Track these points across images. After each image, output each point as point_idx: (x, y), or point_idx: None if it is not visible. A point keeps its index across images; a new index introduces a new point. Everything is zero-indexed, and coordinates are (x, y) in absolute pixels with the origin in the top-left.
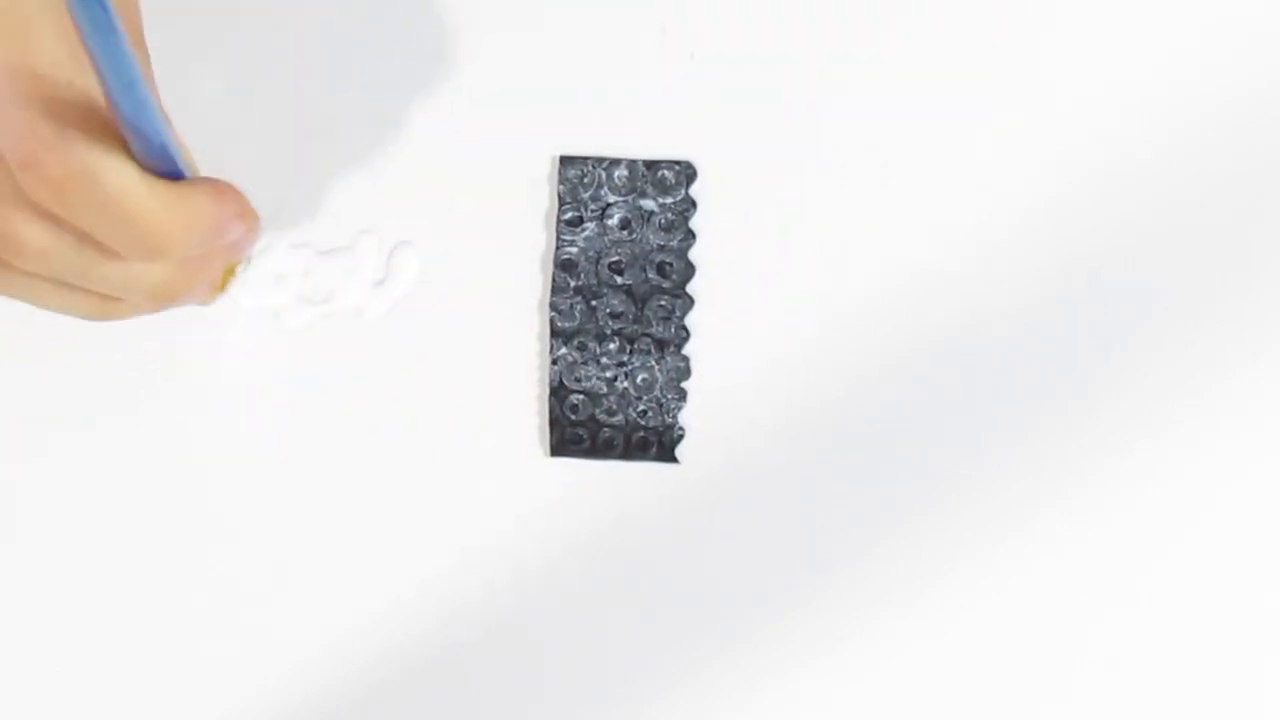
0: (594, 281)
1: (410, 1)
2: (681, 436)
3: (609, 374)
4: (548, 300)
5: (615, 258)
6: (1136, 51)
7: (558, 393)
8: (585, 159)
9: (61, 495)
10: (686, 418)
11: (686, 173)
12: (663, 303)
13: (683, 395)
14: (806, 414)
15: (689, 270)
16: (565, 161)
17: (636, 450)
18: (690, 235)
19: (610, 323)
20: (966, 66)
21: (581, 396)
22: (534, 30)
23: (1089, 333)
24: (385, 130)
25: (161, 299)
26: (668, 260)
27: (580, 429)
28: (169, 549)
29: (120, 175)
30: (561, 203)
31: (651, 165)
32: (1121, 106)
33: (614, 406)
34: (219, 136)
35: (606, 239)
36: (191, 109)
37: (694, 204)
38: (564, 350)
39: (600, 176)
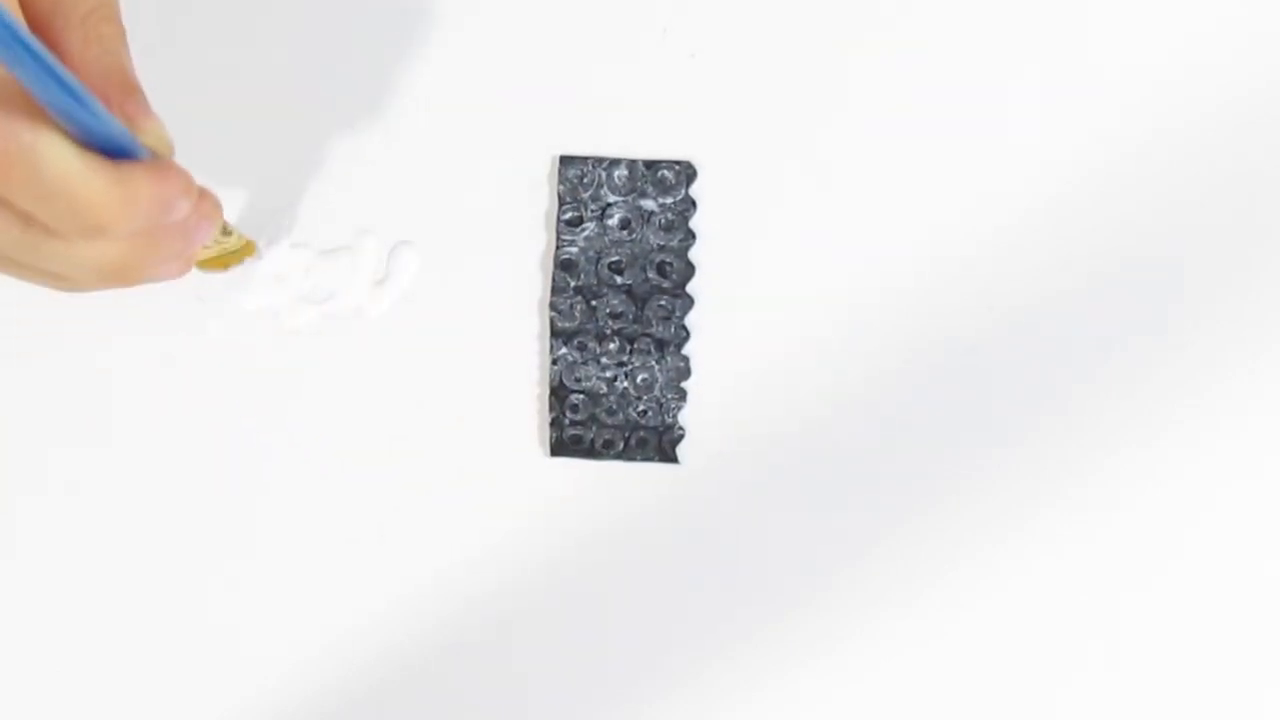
0: (594, 281)
1: (410, 1)
2: (681, 436)
3: (609, 374)
4: (548, 300)
5: (615, 258)
6: (1136, 51)
7: (558, 393)
8: (585, 159)
9: (60, 495)
10: (686, 418)
11: (686, 173)
12: (663, 303)
13: (683, 395)
14: (806, 414)
15: (689, 270)
16: (565, 161)
17: (636, 450)
18: (690, 235)
19: (610, 323)
20: (967, 66)
21: (581, 396)
22: (534, 30)
23: (1089, 333)
24: (385, 130)
25: (112, 278)
26: (668, 260)
27: (580, 429)
28: (169, 549)
29: (57, 154)
30: (561, 203)
31: (651, 165)
32: (1121, 107)
33: (614, 406)
34: (219, 137)
35: (606, 239)
36: (191, 110)
37: (694, 204)
38: (564, 350)
39: (600, 176)
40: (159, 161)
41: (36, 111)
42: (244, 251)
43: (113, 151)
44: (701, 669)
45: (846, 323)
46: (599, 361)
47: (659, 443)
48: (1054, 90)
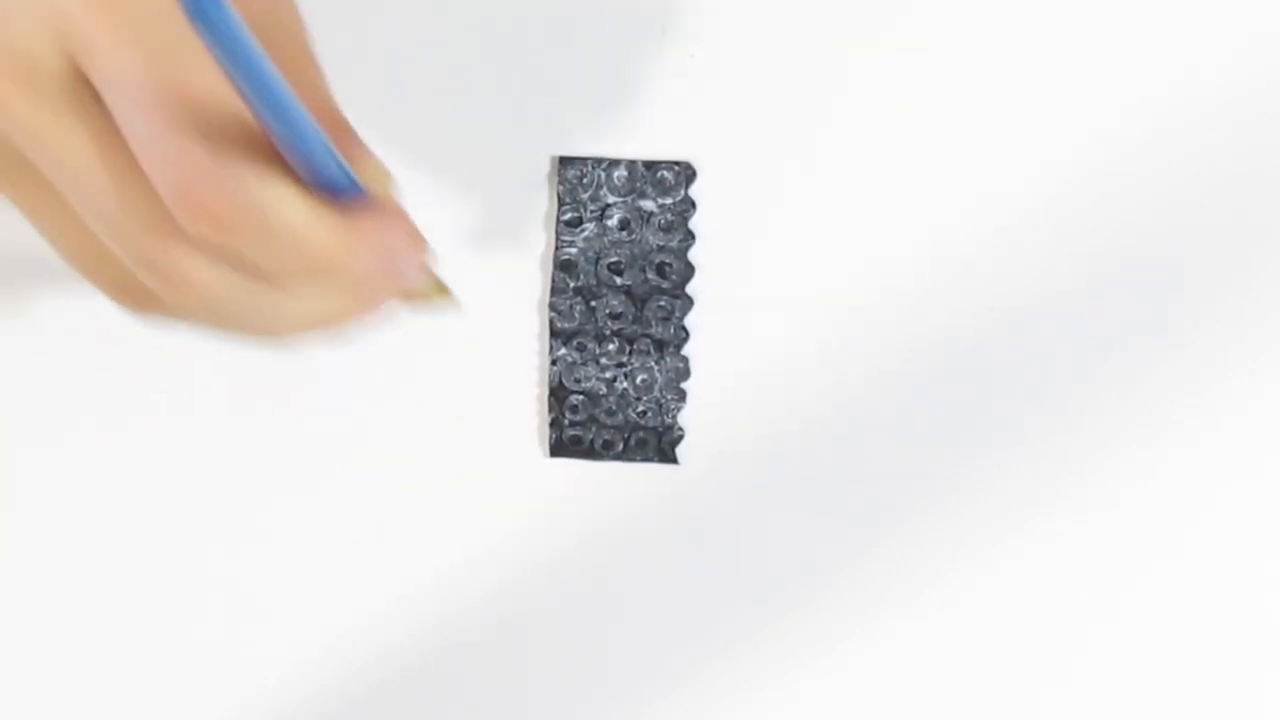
0: (593, 282)
1: (409, 2)
2: (681, 437)
3: (608, 374)
4: (547, 300)
5: (615, 258)
6: (1136, 51)
7: (557, 393)
8: (585, 159)
9: (59, 495)
10: (686, 418)
11: (686, 173)
12: (662, 303)
13: (682, 396)
14: (806, 414)
15: (688, 271)
16: (565, 162)
17: (636, 450)
18: (689, 236)
19: (610, 323)
20: (967, 66)
21: (581, 397)
22: (533, 30)
23: (1089, 333)
24: (384, 130)
25: (327, 327)
26: (667, 261)
27: (580, 429)
28: (168, 548)
29: (284, 202)
30: (561, 203)
31: (651, 166)
32: (1121, 107)
33: (613, 407)
34: None
35: (606, 239)
36: None
37: (693, 204)
38: (563, 350)
39: (599, 177)
40: (382, 203)
41: (262, 157)
42: (438, 293)
43: (336, 193)
44: (701, 669)
45: (846, 323)
46: (598, 362)
47: (658, 443)
48: (1054, 90)
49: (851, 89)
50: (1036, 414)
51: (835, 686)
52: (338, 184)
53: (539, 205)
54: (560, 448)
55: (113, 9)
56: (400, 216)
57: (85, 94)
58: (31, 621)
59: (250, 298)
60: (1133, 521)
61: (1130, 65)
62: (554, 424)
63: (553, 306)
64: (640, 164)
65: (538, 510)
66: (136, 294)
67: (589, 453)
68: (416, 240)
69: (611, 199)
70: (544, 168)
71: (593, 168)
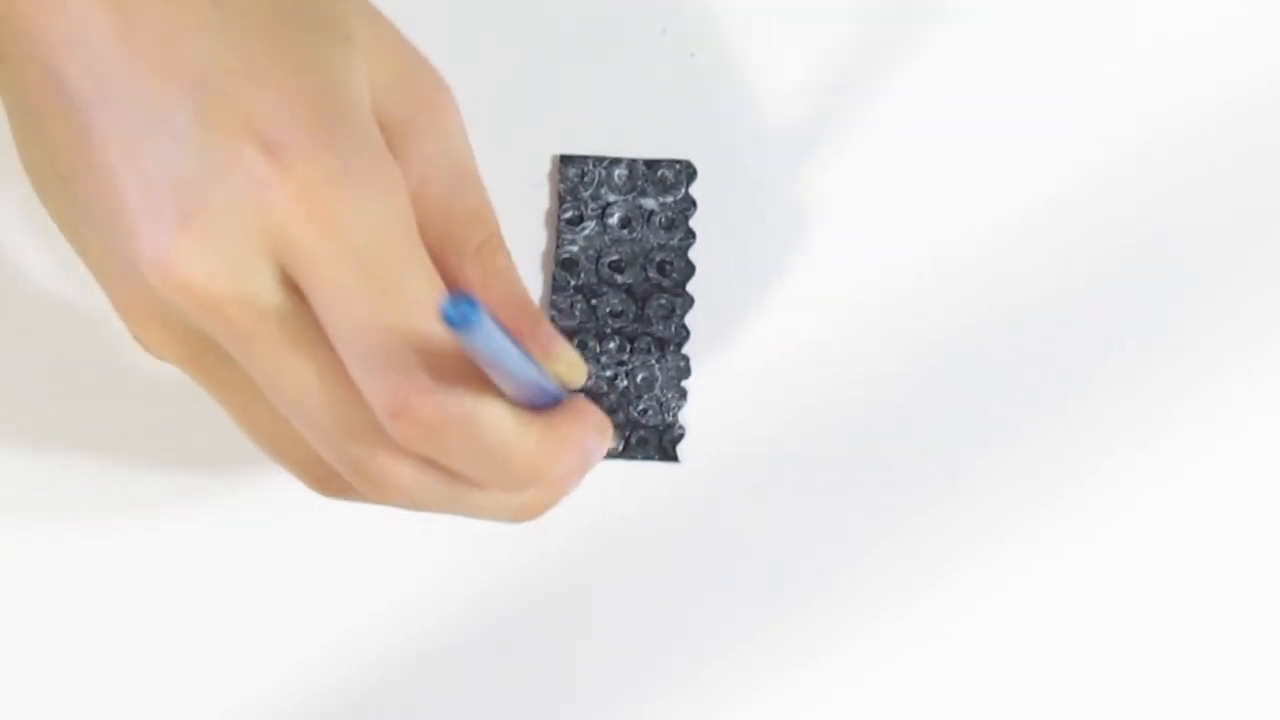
0: (594, 280)
1: (409, 2)
2: (681, 435)
3: (609, 373)
4: (548, 299)
5: (615, 257)
6: (1137, 51)
7: None
8: (585, 158)
9: (57, 495)
10: (686, 417)
11: (687, 172)
12: (663, 302)
13: (683, 394)
14: (806, 413)
15: (689, 269)
16: (565, 161)
17: (636, 449)
18: (690, 234)
19: (610, 321)
20: (968, 66)
21: (581, 395)
22: (533, 30)
23: (1090, 334)
24: None
25: (524, 518)
26: (668, 259)
27: None
28: (167, 548)
29: (495, 418)
30: (561, 202)
31: (651, 164)
32: (1121, 107)
33: (614, 405)
34: None
35: (606, 238)
36: None
37: (694, 203)
38: None
39: (600, 175)
40: (576, 404)
41: (466, 373)
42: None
43: (537, 402)
44: (701, 669)
45: (847, 322)
46: (599, 360)
47: (659, 442)
48: (1055, 91)
49: (851, 89)
50: (1036, 414)
51: (835, 686)
52: (540, 395)
53: (540, 203)
54: None
55: (332, 231)
56: (592, 412)
57: (301, 310)
58: (28, 621)
59: (452, 498)
60: (1133, 522)
61: (1131, 65)
62: None
63: (553, 304)
64: (641, 162)
65: None
66: (331, 482)
67: None
68: (605, 431)
69: (612, 197)
70: (545, 166)
71: (593, 166)
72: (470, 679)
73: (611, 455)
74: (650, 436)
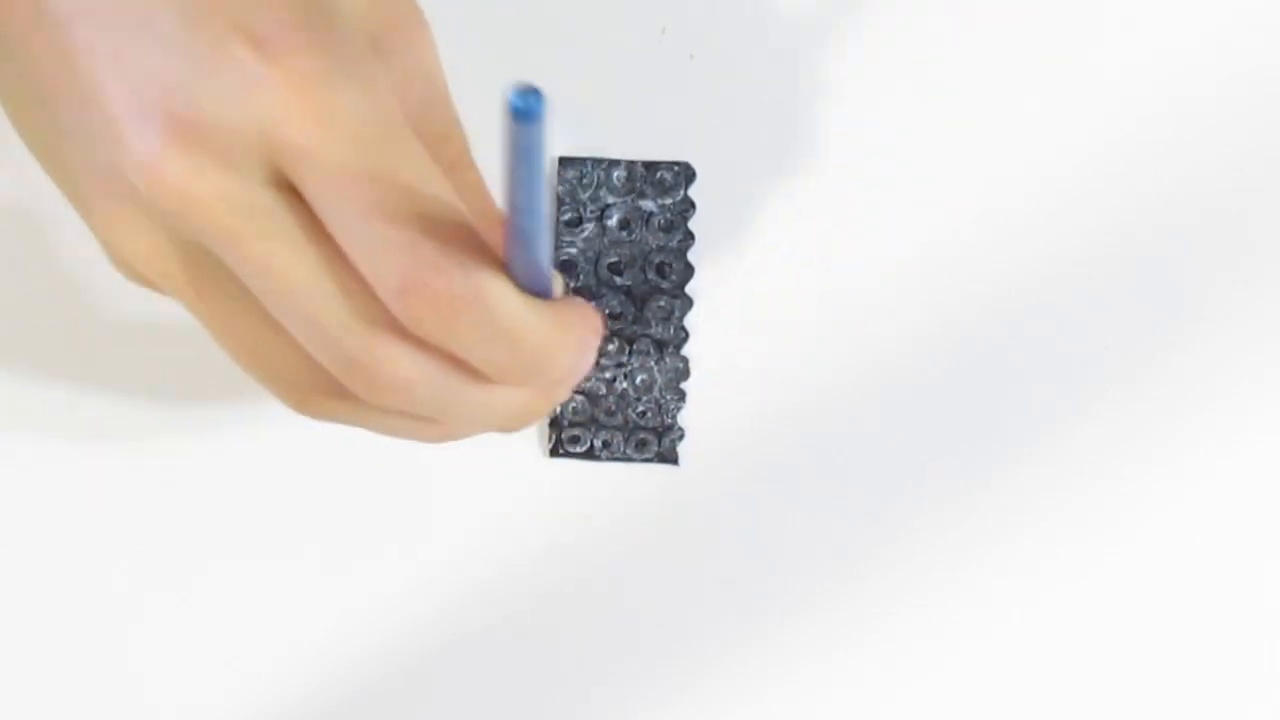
0: (593, 282)
1: None
2: (681, 437)
3: (608, 375)
4: None
5: (614, 258)
6: (1137, 51)
7: None
8: (584, 160)
9: (56, 494)
10: (686, 418)
11: (685, 174)
12: (662, 303)
13: (682, 396)
14: (806, 414)
15: (688, 271)
16: (564, 162)
17: (636, 451)
18: (689, 236)
19: (610, 323)
20: (967, 67)
21: (580, 397)
22: (533, 30)
23: (1091, 335)
24: None
25: (516, 425)
26: (667, 261)
27: (579, 430)
28: (165, 548)
29: (506, 296)
30: (560, 203)
31: (650, 166)
32: (1121, 106)
33: (613, 407)
34: None
35: (605, 240)
36: None
37: (693, 205)
38: None
39: (599, 177)
40: (573, 298)
41: (475, 250)
42: None
43: (536, 290)
44: (701, 670)
45: (846, 323)
46: (598, 362)
47: (658, 443)
48: (1055, 91)
49: (851, 90)
50: (1038, 414)
51: (836, 686)
52: (543, 282)
53: None
54: (559, 448)
55: (326, 120)
56: (591, 308)
57: (292, 199)
58: (27, 621)
59: (450, 394)
60: (1133, 522)
61: (1131, 65)
62: (553, 424)
63: None
64: (640, 164)
65: (538, 510)
66: (313, 397)
67: (589, 453)
68: (599, 332)
69: (611, 199)
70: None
71: (592, 168)
72: (470, 679)
73: (611, 457)
74: (649, 438)
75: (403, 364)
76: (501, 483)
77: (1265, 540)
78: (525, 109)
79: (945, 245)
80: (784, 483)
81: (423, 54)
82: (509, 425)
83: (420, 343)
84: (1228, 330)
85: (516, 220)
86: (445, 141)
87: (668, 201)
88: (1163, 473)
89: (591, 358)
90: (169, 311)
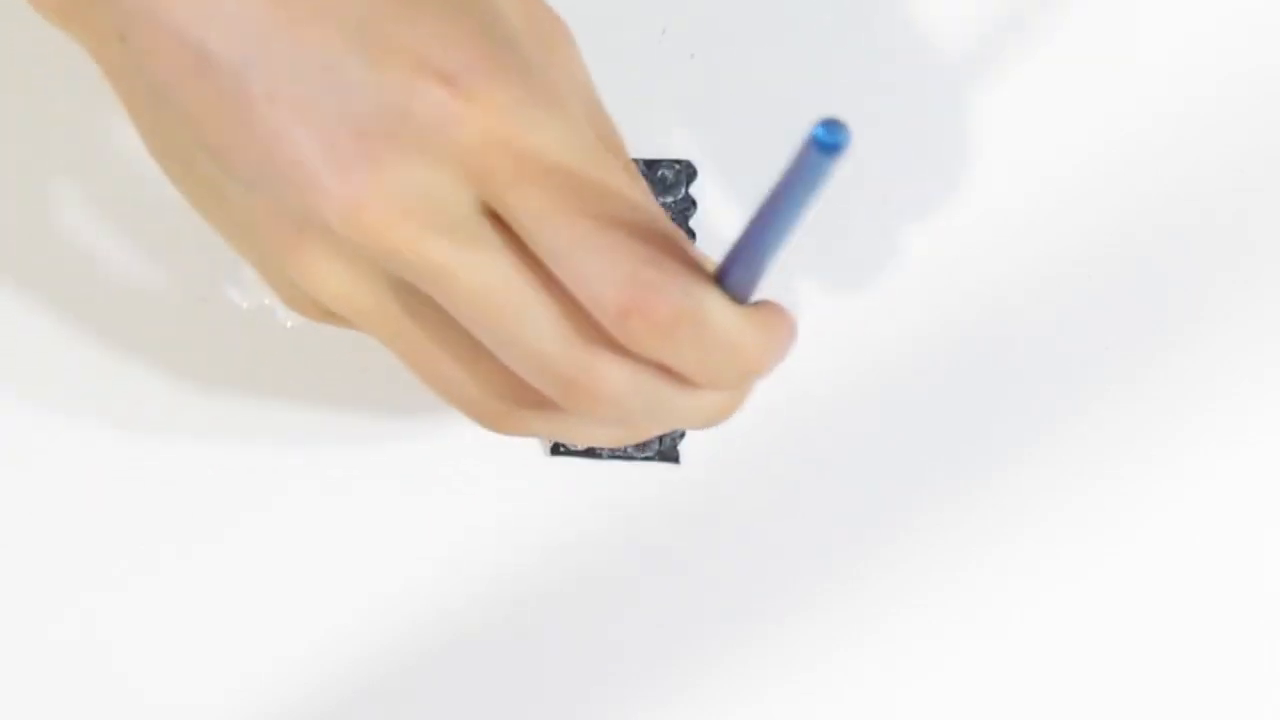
0: None
1: None
2: (682, 435)
3: None
4: None
5: None
6: (1137, 51)
7: None
8: None
9: (56, 494)
10: None
11: (687, 172)
12: None
13: None
14: (807, 413)
15: None
16: None
17: (636, 450)
18: (690, 234)
19: None
20: (967, 66)
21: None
22: None
23: (1092, 335)
24: None
25: (713, 423)
26: None
27: None
28: (165, 548)
29: (721, 310)
30: None
31: (651, 164)
32: (1120, 107)
33: None
34: None
35: None
36: None
37: (694, 203)
38: None
39: None
40: (770, 300)
41: (691, 265)
42: None
43: (740, 297)
44: (702, 669)
45: (846, 322)
46: None
47: (659, 443)
48: (1056, 91)
49: (851, 89)
50: (1038, 414)
51: (836, 687)
52: (751, 290)
53: None
54: (561, 446)
55: (529, 152)
56: (787, 310)
57: (497, 227)
58: (26, 621)
59: (661, 403)
60: (1133, 523)
61: (1132, 65)
62: None
63: None
64: (641, 162)
65: (538, 510)
66: (512, 413)
67: (589, 452)
68: (795, 329)
69: None
70: None
71: None
72: (470, 679)
73: (612, 456)
74: (650, 438)
75: (620, 379)
76: (502, 481)
77: (1265, 540)
78: (830, 142)
79: (945, 245)
80: (785, 482)
81: (579, 67)
82: (707, 424)
83: (635, 356)
84: (1228, 330)
85: (764, 238)
86: (616, 153)
87: (669, 200)
88: (1163, 473)
89: (788, 354)
90: (170, 314)
